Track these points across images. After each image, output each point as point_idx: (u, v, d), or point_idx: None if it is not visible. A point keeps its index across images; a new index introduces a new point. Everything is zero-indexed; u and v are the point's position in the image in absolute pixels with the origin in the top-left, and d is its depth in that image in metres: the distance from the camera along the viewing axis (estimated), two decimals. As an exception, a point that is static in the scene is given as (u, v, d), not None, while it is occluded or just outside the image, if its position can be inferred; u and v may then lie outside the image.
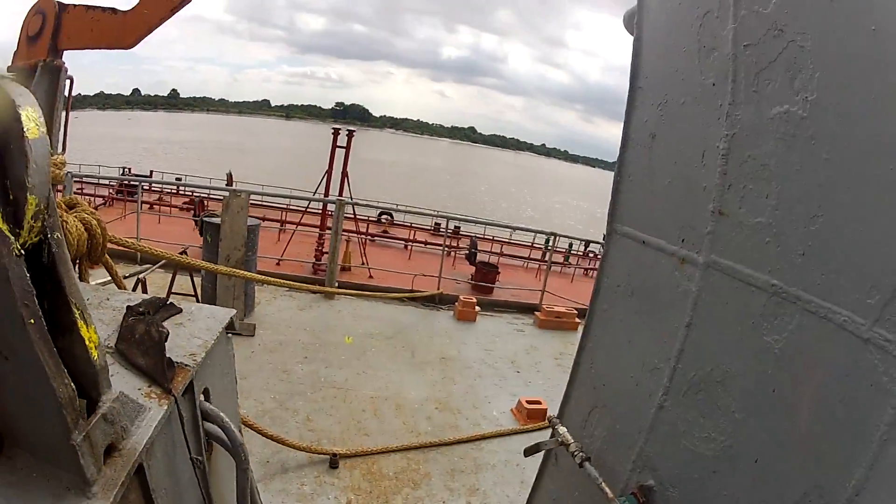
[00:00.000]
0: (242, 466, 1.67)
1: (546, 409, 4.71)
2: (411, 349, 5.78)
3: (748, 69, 1.52)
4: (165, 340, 1.61)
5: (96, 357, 1.04)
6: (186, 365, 1.62)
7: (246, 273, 4.56)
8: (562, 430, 1.88)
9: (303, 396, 4.30)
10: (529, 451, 1.86)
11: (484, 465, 3.83)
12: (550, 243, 8.76)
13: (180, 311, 1.98)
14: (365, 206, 9.08)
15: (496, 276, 11.18)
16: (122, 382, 1.37)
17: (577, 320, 7.63)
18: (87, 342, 0.96)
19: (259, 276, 4.56)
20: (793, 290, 1.30)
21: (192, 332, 1.82)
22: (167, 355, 1.56)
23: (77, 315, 0.92)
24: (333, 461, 3.43)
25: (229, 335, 1.96)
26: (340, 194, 11.16)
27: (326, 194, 11.44)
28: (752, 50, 1.52)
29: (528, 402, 4.73)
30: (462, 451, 3.96)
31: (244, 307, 5.50)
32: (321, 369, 4.87)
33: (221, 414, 1.93)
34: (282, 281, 4.66)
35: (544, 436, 4.39)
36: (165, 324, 1.91)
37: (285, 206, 15.94)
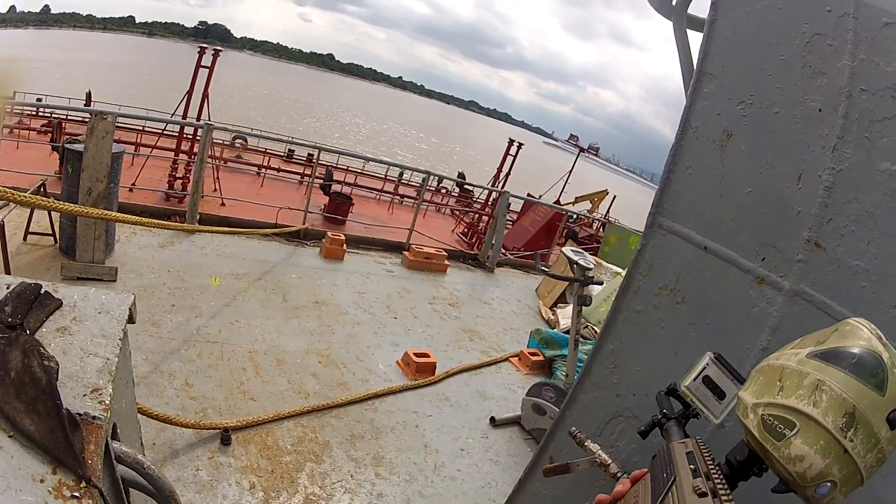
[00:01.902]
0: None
1: (435, 363, 4.66)
2: (282, 292, 5.51)
3: (862, 114, 1.42)
4: (56, 379, 1.21)
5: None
6: (94, 418, 1.20)
7: (117, 215, 3.75)
8: (594, 447, 1.71)
9: (177, 355, 3.92)
10: (552, 472, 1.62)
11: (382, 428, 3.81)
12: (427, 182, 8.49)
13: (60, 304, 1.54)
14: (221, 130, 8.14)
15: (350, 207, 11.07)
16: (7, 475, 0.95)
17: (447, 262, 7.58)
18: None
19: (132, 217, 3.69)
20: (883, 339, 1.32)
21: (85, 345, 1.40)
22: (63, 404, 1.15)
23: None
24: (225, 437, 3.23)
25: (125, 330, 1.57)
26: (199, 117, 11.01)
27: (185, 117, 11.29)
28: (869, 97, 1.43)
29: (417, 356, 4.73)
30: (357, 413, 3.90)
31: (105, 247, 4.87)
32: (191, 319, 4.47)
33: (145, 462, 1.56)
34: (156, 222, 3.83)
35: (436, 392, 4.38)
36: (44, 330, 1.39)
37: (140, 129, 15.22)
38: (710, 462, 0.91)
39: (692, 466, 0.90)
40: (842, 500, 0.88)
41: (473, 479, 3.61)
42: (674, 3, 2.53)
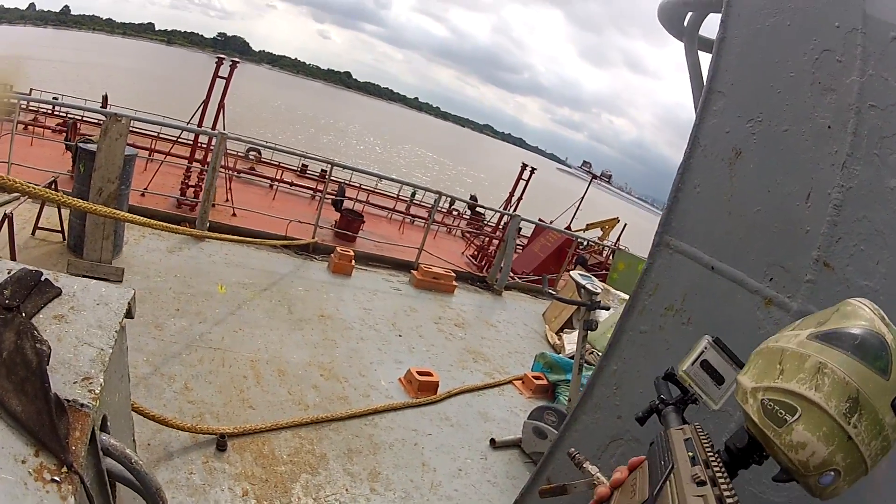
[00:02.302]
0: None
1: (437, 382, 4.60)
2: (288, 304, 5.49)
3: (872, 131, 1.40)
4: (47, 363, 1.21)
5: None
6: (82, 405, 1.20)
7: (126, 215, 3.78)
8: (593, 469, 1.65)
9: (178, 359, 3.91)
10: (548, 493, 1.56)
11: (381, 444, 3.74)
12: (438, 202, 8.52)
13: (60, 292, 1.55)
14: (235, 141, 8.67)
15: (360, 225, 11.19)
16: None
17: (455, 283, 7.54)
18: None
19: (140, 218, 3.72)
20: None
21: (81, 334, 1.40)
22: (52, 388, 1.14)
23: None
24: (221, 443, 3.19)
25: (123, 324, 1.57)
26: (215, 126, 11.08)
27: (200, 125, 11.32)
28: (878, 113, 1.40)
29: (419, 374, 4.70)
30: (356, 428, 3.84)
31: (113, 248, 4.93)
32: (195, 325, 4.46)
33: (133, 457, 1.59)
34: (165, 225, 3.87)
35: (437, 411, 4.32)
36: (41, 316, 1.38)
37: (156, 135, 15.34)
38: (709, 449, 0.88)
39: (690, 454, 0.87)
40: (846, 489, 0.84)
41: (470, 500, 3.53)
42: (685, 23, 2.55)
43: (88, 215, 4.49)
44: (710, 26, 2.43)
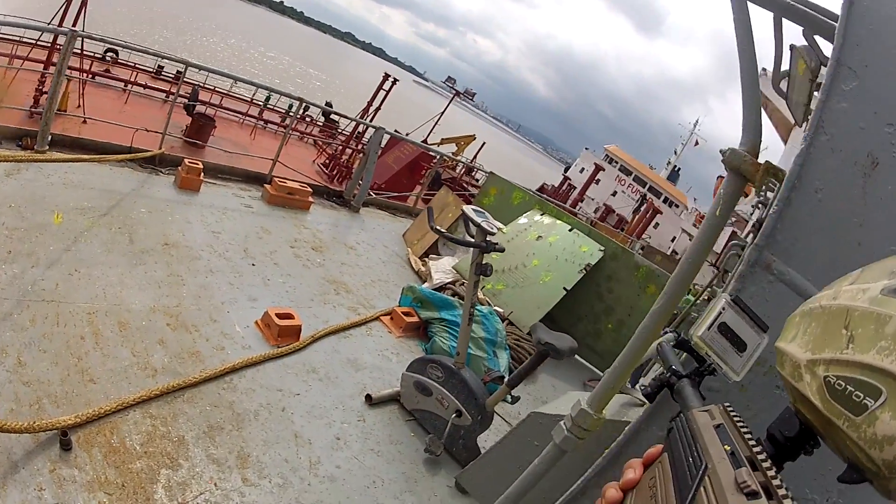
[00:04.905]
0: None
1: (300, 326, 4.06)
2: (129, 231, 4.57)
3: None
4: None
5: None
6: None
7: None
8: None
9: (10, 322, 3.06)
10: None
11: (244, 414, 3.22)
12: (294, 109, 7.54)
13: None
14: (88, 40, 7.78)
15: (212, 130, 11.09)
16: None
17: (311, 199, 6.74)
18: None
19: None
20: None
21: None
22: None
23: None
24: (64, 441, 2.50)
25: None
26: (76, 24, 10.74)
27: (61, 24, 10.69)
28: None
29: (279, 316, 4.02)
30: (213, 395, 3.26)
31: None
32: (27, 270, 3.55)
33: None
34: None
35: (302, 362, 3.87)
36: None
37: (18, 39, 13.68)
38: (752, 441, 0.62)
39: (727, 447, 0.62)
40: None
41: (356, 478, 3.13)
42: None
43: None
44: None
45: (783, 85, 2.12)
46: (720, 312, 1.05)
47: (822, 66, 1.94)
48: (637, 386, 3.44)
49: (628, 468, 0.76)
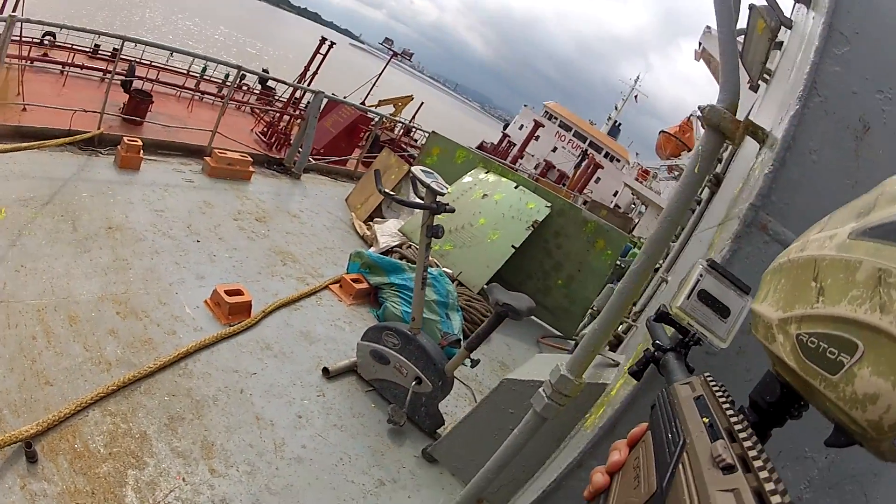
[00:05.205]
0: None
1: (250, 302, 3.92)
2: (72, 218, 4.34)
3: None
4: None
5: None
6: None
7: None
8: None
9: None
10: None
11: (203, 400, 3.13)
12: (231, 78, 7.11)
13: None
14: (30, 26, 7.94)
15: (149, 106, 10.66)
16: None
17: (252, 169, 6.44)
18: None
19: None
20: None
21: None
22: None
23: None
24: (30, 454, 2.39)
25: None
26: (15, 9, 10.43)
27: (1, 11, 10.92)
28: None
29: (228, 293, 3.87)
30: (170, 384, 3.13)
31: None
32: None
33: None
34: None
35: (256, 339, 3.78)
36: None
37: None
38: (731, 411, 0.59)
39: (706, 419, 0.58)
40: None
41: (322, 456, 3.09)
42: None
43: None
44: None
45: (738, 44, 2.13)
46: (698, 279, 1.01)
47: (783, 26, 1.98)
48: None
49: (613, 450, 0.73)
